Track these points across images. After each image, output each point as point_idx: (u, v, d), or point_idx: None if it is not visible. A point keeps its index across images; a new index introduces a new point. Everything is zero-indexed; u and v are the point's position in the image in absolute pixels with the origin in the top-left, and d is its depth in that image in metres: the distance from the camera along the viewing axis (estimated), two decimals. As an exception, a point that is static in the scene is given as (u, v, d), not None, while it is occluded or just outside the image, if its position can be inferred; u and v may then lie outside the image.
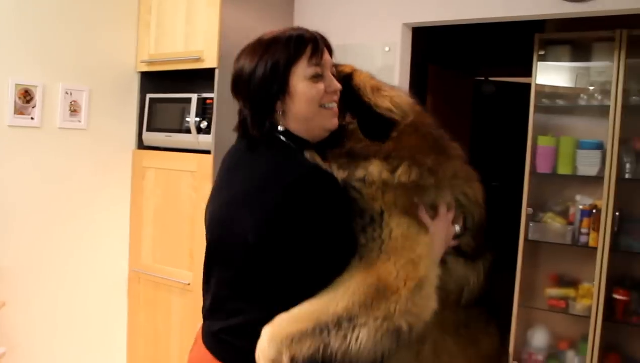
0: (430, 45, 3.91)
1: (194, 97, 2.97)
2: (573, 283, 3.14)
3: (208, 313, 1.28)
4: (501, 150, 3.96)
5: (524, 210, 3.16)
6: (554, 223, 3.10)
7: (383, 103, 1.26)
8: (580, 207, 3.04)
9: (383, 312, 1.10)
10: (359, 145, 1.24)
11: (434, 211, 1.26)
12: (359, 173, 1.21)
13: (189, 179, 2.98)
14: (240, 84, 1.26)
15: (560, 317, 3.12)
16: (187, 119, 2.97)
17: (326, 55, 1.27)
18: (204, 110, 2.94)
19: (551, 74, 3.16)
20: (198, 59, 2.92)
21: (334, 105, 1.26)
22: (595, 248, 2.99)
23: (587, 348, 3.00)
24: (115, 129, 3.11)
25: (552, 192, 3.18)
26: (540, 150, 3.11)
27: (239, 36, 2.95)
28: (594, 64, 3.05)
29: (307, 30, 1.28)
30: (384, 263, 1.14)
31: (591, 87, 3.05)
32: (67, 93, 2.90)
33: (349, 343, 1.08)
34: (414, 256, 1.15)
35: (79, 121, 2.96)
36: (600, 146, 3.00)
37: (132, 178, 3.18)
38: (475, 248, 1.32)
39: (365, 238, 1.17)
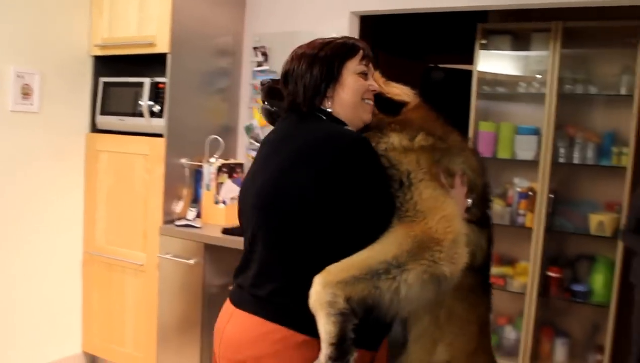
0: (380, 32, 4.04)
1: (147, 81, 3.05)
2: (511, 262, 3.35)
3: (254, 280, 1.33)
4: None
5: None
6: (493, 205, 3.29)
7: (392, 90, 1.52)
8: (518, 189, 3.24)
9: (428, 259, 1.22)
10: (374, 119, 1.46)
11: (451, 178, 1.41)
12: (381, 146, 1.38)
13: (141, 161, 3.06)
14: (297, 71, 1.43)
15: (499, 294, 3.29)
16: (140, 103, 3.04)
17: (371, 64, 1.48)
18: (157, 94, 3.03)
19: (493, 62, 3.34)
20: (151, 44, 3.00)
21: (371, 103, 1.46)
22: (531, 229, 3.19)
23: (523, 323, 3.21)
24: (68, 113, 3.17)
25: (492, 176, 3.34)
26: (482, 135, 3.29)
27: (191, 22, 3.05)
28: (532, 54, 3.24)
29: (359, 40, 1.50)
30: (422, 220, 1.27)
31: (529, 76, 3.23)
32: (18, 76, 2.93)
33: (399, 285, 1.20)
34: (446, 213, 1.29)
35: (31, 105, 3.00)
36: (537, 132, 3.20)
37: (86, 161, 3.25)
38: (481, 217, 1.47)
39: (400, 202, 1.30)
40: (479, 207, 1.48)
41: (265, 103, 1.59)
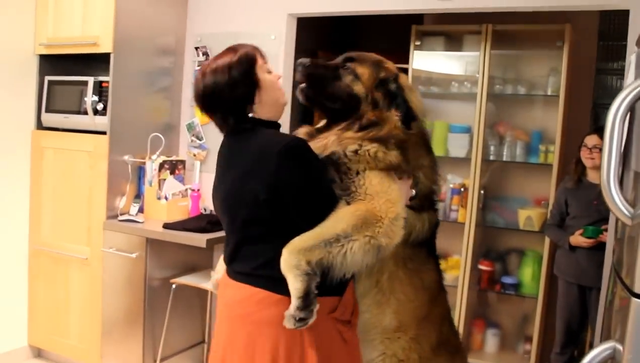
0: (321, 32, 4.23)
1: (91, 80, 3.21)
2: (444, 256, 3.55)
3: (235, 260, 1.71)
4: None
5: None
6: (430, 201, 3.48)
7: (416, 101, 1.73)
8: (451, 185, 3.44)
9: (370, 233, 1.54)
10: (392, 132, 1.70)
11: (400, 176, 1.70)
12: (352, 147, 1.65)
13: (85, 158, 3.22)
14: (216, 96, 1.66)
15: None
16: (85, 100, 3.19)
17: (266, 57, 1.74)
18: (100, 93, 3.19)
19: (427, 62, 3.53)
20: (94, 44, 3.15)
21: (281, 86, 1.75)
22: (463, 224, 3.40)
23: (455, 315, 3.41)
24: (14, 110, 3.31)
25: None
26: (417, 133, 3.47)
27: (134, 22, 3.21)
28: (464, 54, 3.45)
29: (248, 45, 1.72)
30: (370, 201, 1.59)
31: (461, 75, 3.43)
32: (-38, 75, 3.07)
33: (345, 252, 1.53)
34: (391, 197, 1.60)
35: (-23, 102, 3.14)
36: (469, 130, 3.40)
37: (32, 158, 3.40)
38: (420, 206, 1.77)
39: (355, 186, 1.62)
40: (421, 199, 1.78)
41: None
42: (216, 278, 1.90)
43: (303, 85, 1.75)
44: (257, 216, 1.62)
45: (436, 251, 1.91)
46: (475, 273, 3.45)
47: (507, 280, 3.43)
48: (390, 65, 1.80)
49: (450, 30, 3.47)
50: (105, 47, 3.13)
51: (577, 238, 2.97)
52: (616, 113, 1.16)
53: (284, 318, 1.52)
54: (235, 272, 1.70)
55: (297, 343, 1.59)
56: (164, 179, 3.30)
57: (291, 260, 1.53)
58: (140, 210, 3.28)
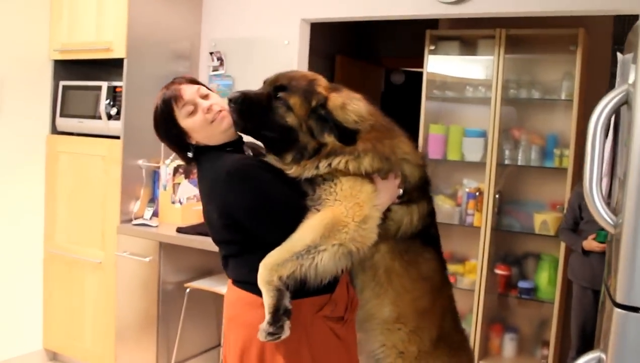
0: (339, 37, 4.25)
1: (105, 85, 3.25)
2: (461, 261, 3.55)
3: (226, 271, 1.83)
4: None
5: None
6: (444, 205, 3.51)
7: (349, 119, 1.68)
8: (467, 190, 3.45)
9: (337, 241, 1.57)
10: (334, 148, 1.70)
11: (385, 176, 1.71)
12: (323, 164, 1.66)
13: (99, 163, 3.27)
14: (158, 133, 1.80)
15: (450, 291, 3.52)
16: (100, 105, 3.23)
17: (188, 90, 1.74)
18: (114, 97, 3.23)
19: (442, 66, 3.54)
20: (108, 49, 3.20)
21: (219, 114, 1.73)
22: (479, 228, 3.40)
23: (472, 319, 3.41)
24: (29, 115, 3.37)
25: (442, 177, 3.57)
26: (432, 137, 3.50)
27: (147, 27, 3.25)
28: (479, 58, 3.46)
29: (167, 88, 1.78)
30: (338, 207, 1.61)
31: (476, 80, 3.44)
32: (-21, 80, 3.12)
33: (316, 263, 1.56)
34: (359, 200, 1.62)
35: (-7, 107, 3.19)
36: (484, 134, 3.41)
37: (46, 162, 3.45)
38: (409, 199, 1.78)
39: (327, 193, 1.64)
40: (410, 192, 1.78)
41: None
42: None
43: (236, 119, 1.74)
44: (223, 238, 1.75)
45: (436, 240, 1.91)
46: (492, 278, 3.45)
47: (524, 284, 3.43)
48: (322, 87, 1.74)
49: (464, 34, 3.49)
50: (118, 52, 3.17)
51: (591, 243, 2.98)
52: (597, 122, 1.20)
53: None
54: (231, 279, 1.82)
55: (286, 343, 1.62)
56: (179, 183, 3.33)
57: (264, 276, 1.59)
58: (155, 214, 3.31)
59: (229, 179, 1.62)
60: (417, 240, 1.83)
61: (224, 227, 1.68)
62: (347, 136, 1.67)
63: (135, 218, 3.27)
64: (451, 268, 3.58)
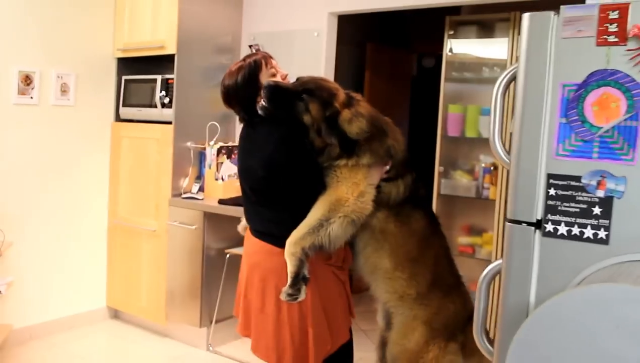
0: (368, 25, 4.71)
1: (159, 78, 3.92)
2: (479, 232, 3.88)
3: (247, 219, 2.36)
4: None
5: (437, 168, 3.92)
6: (462, 179, 3.88)
7: (353, 131, 2.17)
8: (483, 165, 3.79)
9: (342, 213, 2.11)
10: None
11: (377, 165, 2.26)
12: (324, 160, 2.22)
13: (154, 145, 3.91)
14: (230, 95, 2.27)
15: (469, 261, 3.87)
16: (155, 96, 3.87)
17: (273, 62, 2.31)
18: (167, 88, 3.87)
19: (461, 49, 3.93)
20: (161, 47, 3.86)
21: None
22: (494, 201, 3.72)
23: (490, 289, 3.72)
24: (97, 105, 4.10)
25: (461, 153, 3.95)
26: (451, 116, 3.88)
27: (194, 27, 3.89)
28: (495, 40, 3.82)
29: (256, 54, 2.32)
30: (340, 187, 2.15)
31: (491, 60, 3.80)
32: (58, 77, 3.88)
33: (329, 232, 2.09)
34: (356, 180, 2.16)
35: (68, 99, 3.93)
36: (498, 113, 3.73)
37: (111, 145, 4.17)
38: (396, 174, 2.30)
39: (331, 179, 2.18)
40: (397, 168, 2.31)
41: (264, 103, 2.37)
42: (243, 224, 2.54)
43: (264, 103, 2.19)
44: (258, 187, 2.23)
45: (425, 201, 2.47)
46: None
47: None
48: (338, 102, 2.21)
49: (482, 19, 3.87)
50: (170, 49, 3.83)
51: None
52: (497, 92, 1.79)
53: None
54: (252, 229, 2.35)
55: None
56: (221, 163, 3.91)
57: (290, 249, 2.11)
58: (201, 189, 3.91)
59: (281, 140, 2.14)
60: (408, 204, 2.35)
61: (262, 178, 2.15)
62: (348, 144, 2.18)
63: (184, 193, 3.87)
64: (470, 240, 3.96)
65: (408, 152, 2.36)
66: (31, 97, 3.74)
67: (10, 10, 3.60)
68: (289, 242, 2.11)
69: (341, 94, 2.26)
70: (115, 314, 4.30)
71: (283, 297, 2.09)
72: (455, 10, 3.96)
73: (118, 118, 4.19)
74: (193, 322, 3.81)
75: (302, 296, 2.09)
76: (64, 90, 3.91)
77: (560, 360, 1.27)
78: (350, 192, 2.13)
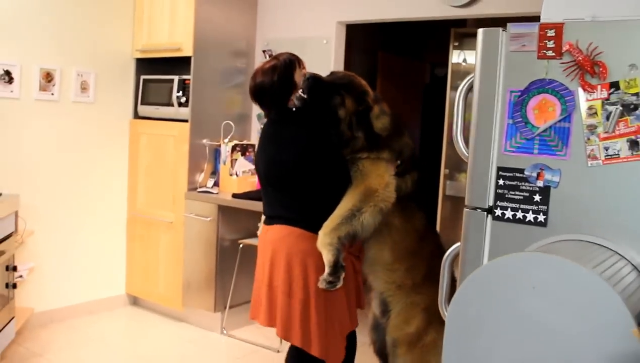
0: (381, 34, 4.97)
1: (176, 78, 4.20)
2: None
3: (272, 210, 2.51)
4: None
5: (442, 171, 4.24)
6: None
7: (378, 126, 2.44)
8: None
9: (373, 202, 2.33)
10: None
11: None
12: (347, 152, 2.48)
13: (171, 142, 4.20)
14: (262, 93, 2.47)
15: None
16: (172, 95, 4.13)
17: (303, 62, 2.57)
18: (184, 88, 4.15)
19: (467, 59, 4.23)
20: (178, 49, 4.15)
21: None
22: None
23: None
24: (116, 103, 4.39)
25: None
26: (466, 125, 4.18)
27: (210, 31, 4.16)
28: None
29: (289, 54, 2.52)
30: (366, 179, 2.37)
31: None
32: (78, 75, 4.17)
33: (362, 220, 2.31)
34: (380, 172, 2.40)
35: (88, 97, 4.20)
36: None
37: (130, 141, 4.47)
38: (404, 170, 2.53)
39: (355, 172, 2.40)
40: (406, 163, 2.57)
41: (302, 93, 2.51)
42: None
43: (302, 93, 2.42)
44: (289, 180, 2.43)
45: (425, 205, 2.72)
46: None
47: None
48: (370, 98, 2.48)
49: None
50: (187, 51, 4.12)
51: None
52: (458, 97, 2.10)
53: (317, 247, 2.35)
54: (277, 218, 2.50)
55: (321, 267, 2.35)
56: (236, 159, 4.20)
57: (325, 239, 2.31)
58: (216, 184, 4.21)
59: (312, 139, 2.36)
60: (413, 203, 2.62)
61: (295, 171, 2.35)
62: (373, 137, 2.43)
63: (200, 187, 4.17)
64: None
65: (418, 153, 2.63)
66: (52, 93, 4.01)
67: (33, 10, 3.88)
68: (322, 233, 2.30)
69: (371, 91, 2.52)
70: (135, 301, 4.61)
71: (322, 285, 2.27)
72: (461, 22, 4.25)
73: (136, 115, 4.49)
74: (208, 307, 4.11)
75: (340, 283, 2.27)
76: (84, 87, 4.18)
77: (486, 316, 1.53)
78: (377, 183, 2.37)
